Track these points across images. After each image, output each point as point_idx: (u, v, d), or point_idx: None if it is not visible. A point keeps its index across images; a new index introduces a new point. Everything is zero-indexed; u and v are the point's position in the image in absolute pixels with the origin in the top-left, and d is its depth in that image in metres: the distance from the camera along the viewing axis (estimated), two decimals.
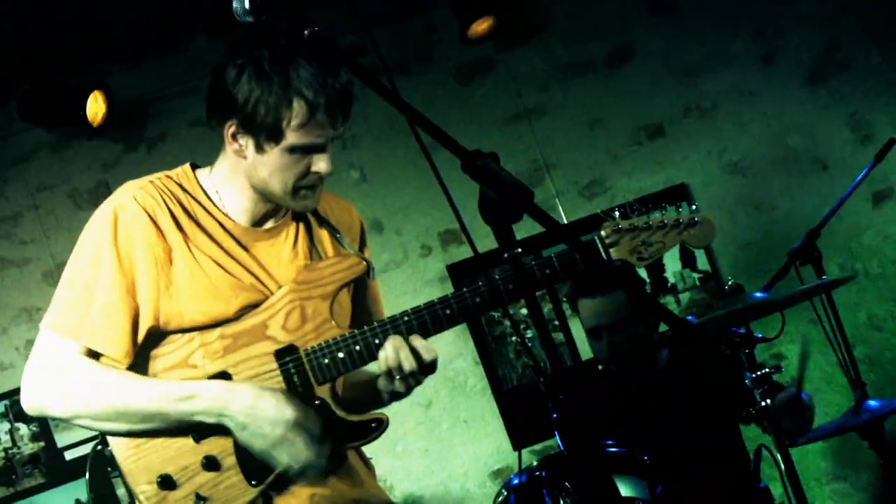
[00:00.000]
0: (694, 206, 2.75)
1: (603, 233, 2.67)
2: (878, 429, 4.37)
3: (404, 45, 5.47)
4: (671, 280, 5.19)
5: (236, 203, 2.73)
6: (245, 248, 2.76)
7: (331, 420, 2.67)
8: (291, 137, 2.62)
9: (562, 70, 5.51)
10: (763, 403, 3.62)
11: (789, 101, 5.56)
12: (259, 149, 2.65)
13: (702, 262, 5.30)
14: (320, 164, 2.65)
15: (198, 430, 2.66)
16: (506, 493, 3.91)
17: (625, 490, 3.77)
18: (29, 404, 2.59)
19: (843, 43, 5.68)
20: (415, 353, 2.56)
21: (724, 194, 5.50)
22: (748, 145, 5.51)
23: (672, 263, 5.28)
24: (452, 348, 5.04)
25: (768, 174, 5.52)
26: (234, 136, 2.64)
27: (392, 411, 2.65)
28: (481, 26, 5.13)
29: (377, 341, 2.61)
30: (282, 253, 2.80)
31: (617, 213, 2.67)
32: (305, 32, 2.23)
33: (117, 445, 2.68)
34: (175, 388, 2.61)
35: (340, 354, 2.64)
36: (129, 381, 2.60)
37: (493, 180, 1.96)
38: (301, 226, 2.79)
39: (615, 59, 5.56)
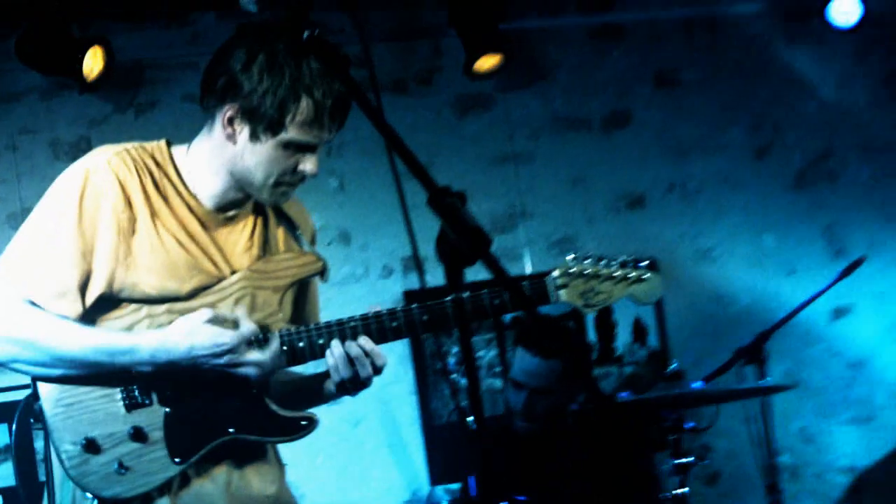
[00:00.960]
0: (643, 263, 2.80)
1: (555, 273, 2.72)
2: None
3: (407, 65, 5.53)
4: (619, 350, 5.13)
5: (207, 186, 2.76)
6: (206, 231, 2.80)
7: (262, 412, 2.75)
8: (291, 132, 2.67)
9: (557, 122, 5.59)
10: (675, 492, 3.96)
11: (772, 200, 5.69)
12: (254, 137, 2.69)
13: (654, 339, 5.40)
14: (308, 164, 2.72)
15: (130, 396, 2.70)
16: None
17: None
18: None
19: (836, 152, 5.80)
20: (368, 356, 2.64)
21: (690, 279, 5.62)
22: (723, 235, 5.64)
23: (624, 335, 5.25)
24: (392, 372, 5.02)
25: (737, 268, 5.65)
26: (230, 121, 2.68)
27: (320, 423, 2.75)
28: (487, 62, 5.20)
29: (321, 341, 2.68)
30: (238, 241, 2.85)
31: (571, 257, 2.76)
32: (305, 33, 2.21)
33: (48, 401, 2.70)
34: (116, 340, 2.64)
35: (284, 347, 2.73)
36: (70, 329, 2.64)
37: (455, 220, 1.94)
38: (259, 219, 2.85)
39: (611, 122, 5.63)
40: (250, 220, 2.90)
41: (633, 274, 2.84)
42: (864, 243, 5.56)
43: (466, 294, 2.52)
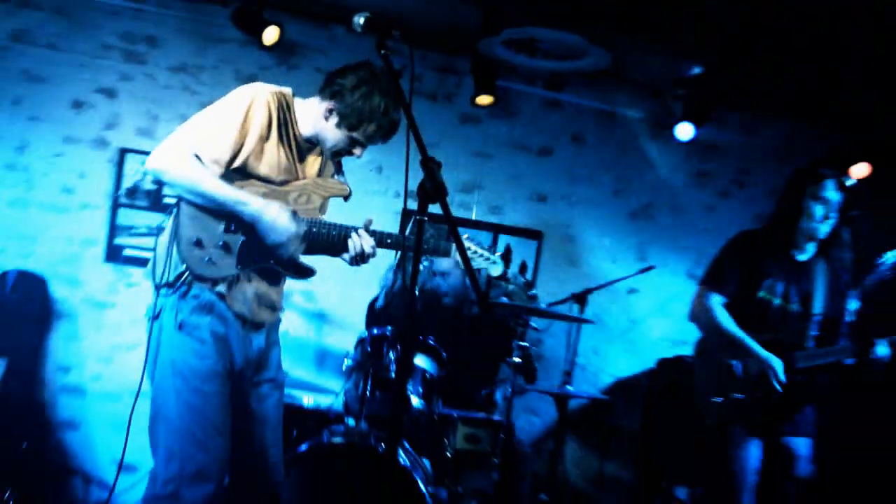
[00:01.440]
0: (498, 254, 3.71)
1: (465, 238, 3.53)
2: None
3: (440, 86, 6.69)
4: (509, 275, 5.41)
5: (304, 128, 3.56)
6: (297, 151, 3.57)
7: (290, 258, 3.54)
8: (357, 135, 3.50)
9: (512, 143, 6.90)
10: (516, 360, 5.04)
11: (617, 221, 7.10)
12: (337, 125, 3.50)
13: (530, 275, 6.80)
14: (357, 151, 3.59)
15: (228, 225, 3.43)
16: (363, 336, 5.07)
17: (420, 362, 5.02)
18: (153, 164, 3.29)
19: (655, 205, 7.13)
20: (370, 246, 3.49)
21: (560, 249, 7.03)
22: (583, 229, 6.99)
23: (514, 268, 5.90)
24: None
25: (587, 250, 7.03)
26: (329, 111, 3.48)
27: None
28: (484, 100, 6.43)
29: (343, 234, 3.52)
30: (312, 162, 3.68)
31: (467, 237, 3.62)
32: (381, 52, 2.96)
33: (185, 212, 3.42)
34: (237, 193, 3.36)
35: (324, 230, 3.54)
36: (214, 181, 3.35)
37: (430, 175, 2.67)
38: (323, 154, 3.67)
39: (542, 151, 6.94)
40: (320, 151, 3.67)
41: (491, 258, 3.71)
42: (657, 259, 7.06)
43: (425, 218, 2.93)
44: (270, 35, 6.03)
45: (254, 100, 3.35)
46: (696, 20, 5.25)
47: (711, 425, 4.74)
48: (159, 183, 6.09)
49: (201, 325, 3.35)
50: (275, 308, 3.61)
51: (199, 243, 3.37)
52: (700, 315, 4.81)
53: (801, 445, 4.70)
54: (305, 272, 3.56)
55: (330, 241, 3.49)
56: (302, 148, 3.54)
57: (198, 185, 3.26)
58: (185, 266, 3.35)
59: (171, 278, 3.35)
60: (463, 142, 6.70)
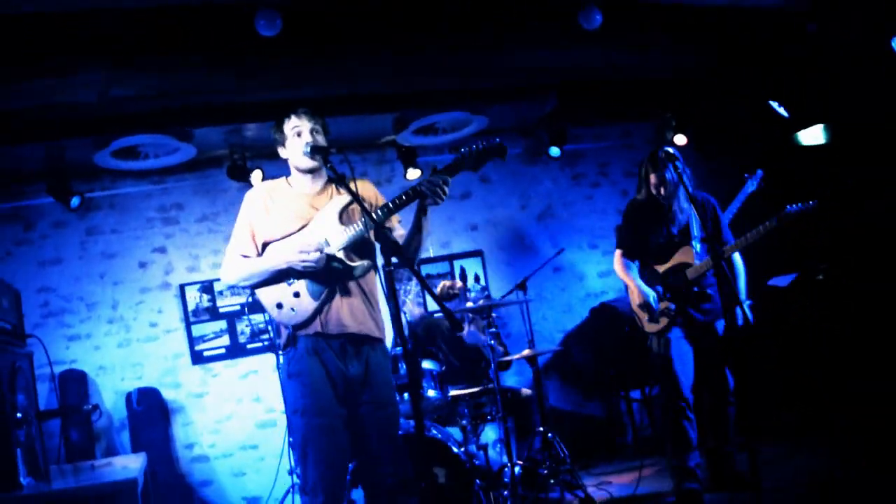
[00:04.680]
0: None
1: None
2: None
3: (380, 170, 9.07)
4: (468, 287, 7.87)
5: (302, 188, 4.33)
6: (303, 200, 4.30)
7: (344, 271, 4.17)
8: (297, 124, 4.38)
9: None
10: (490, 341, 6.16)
11: (530, 224, 9.19)
12: (285, 141, 4.43)
13: (484, 282, 8.84)
14: (307, 138, 4.30)
15: (290, 276, 4.15)
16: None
17: (427, 365, 6.01)
18: (222, 281, 4.56)
19: (552, 209, 9.35)
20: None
21: (502, 258, 9.06)
22: (489, 232, 9.15)
23: (471, 277, 8.71)
24: None
25: (517, 248, 9.12)
26: (278, 142, 4.42)
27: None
28: (412, 174, 8.53)
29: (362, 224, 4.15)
30: (321, 198, 4.33)
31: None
32: (328, 165, 4.06)
33: (260, 292, 4.23)
34: (269, 260, 4.18)
35: (348, 230, 4.16)
36: (253, 262, 4.19)
37: (385, 240, 3.62)
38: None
39: (464, 194, 9.27)
40: (319, 191, 4.37)
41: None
42: (565, 242, 9.08)
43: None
44: (256, 177, 7.91)
45: (248, 198, 4.33)
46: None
47: (654, 337, 5.91)
48: (233, 289, 8.15)
49: (303, 370, 4.06)
50: (366, 318, 4.20)
51: (280, 305, 4.19)
52: (616, 269, 6.15)
53: (718, 327, 5.89)
54: (366, 269, 4.22)
55: (357, 233, 4.15)
56: (305, 196, 4.32)
57: (245, 273, 4.20)
58: (282, 325, 4.13)
59: (284, 341, 4.17)
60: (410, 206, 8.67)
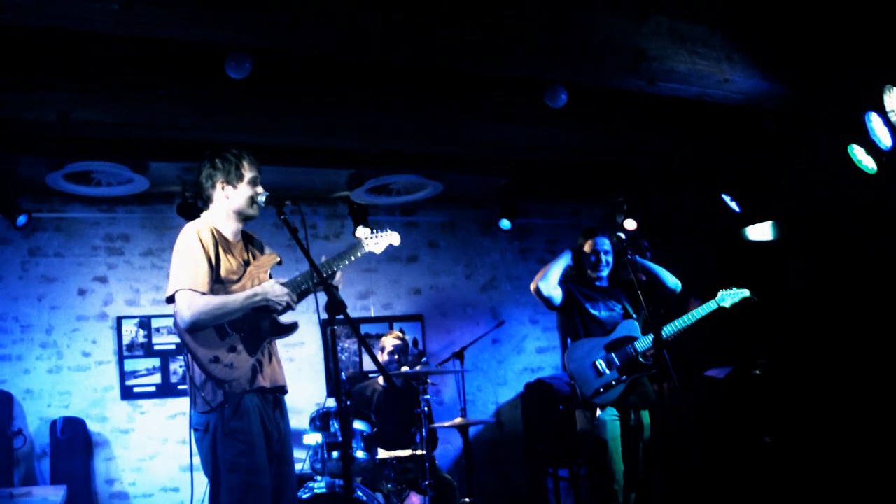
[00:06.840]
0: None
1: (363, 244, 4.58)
2: None
3: (331, 224, 9.14)
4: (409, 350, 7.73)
5: (228, 228, 4.28)
6: (235, 251, 4.27)
7: (276, 323, 4.21)
8: (246, 173, 4.33)
9: (388, 259, 9.03)
10: (425, 398, 6.67)
11: (472, 294, 9.34)
12: (233, 186, 4.31)
13: (422, 346, 8.89)
14: (259, 188, 4.30)
15: (222, 332, 4.05)
16: (314, 415, 6.10)
17: (358, 425, 6.06)
18: (182, 327, 4.00)
19: (496, 280, 9.54)
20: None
21: (440, 322, 9.26)
22: (441, 300, 9.34)
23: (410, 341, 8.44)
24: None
25: (458, 316, 9.33)
26: (221, 188, 4.28)
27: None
28: (361, 232, 8.46)
29: (305, 276, 4.22)
30: (245, 254, 4.34)
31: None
32: (281, 217, 3.99)
33: (195, 346, 4.05)
34: (244, 293, 4.06)
35: (298, 280, 4.25)
36: (223, 296, 4.04)
37: (332, 297, 3.71)
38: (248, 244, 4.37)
39: (410, 258, 9.33)
40: (245, 246, 4.38)
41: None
42: (506, 315, 9.33)
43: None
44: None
45: (198, 230, 4.09)
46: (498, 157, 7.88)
47: (585, 415, 5.85)
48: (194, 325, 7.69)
49: (244, 428, 4.00)
50: (283, 372, 4.34)
51: (215, 359, 4.02)
52: (535, 280, 6.17)
53: (646, 416, 5.95)
54: (292, 327, 4.27)
55: (303, 284, 4.24)
56: (236, 247, 4.27)
57: (219, 308, 3.99)
58: (218, 383, 4.00)
59: (219, 400, 3.98)
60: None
